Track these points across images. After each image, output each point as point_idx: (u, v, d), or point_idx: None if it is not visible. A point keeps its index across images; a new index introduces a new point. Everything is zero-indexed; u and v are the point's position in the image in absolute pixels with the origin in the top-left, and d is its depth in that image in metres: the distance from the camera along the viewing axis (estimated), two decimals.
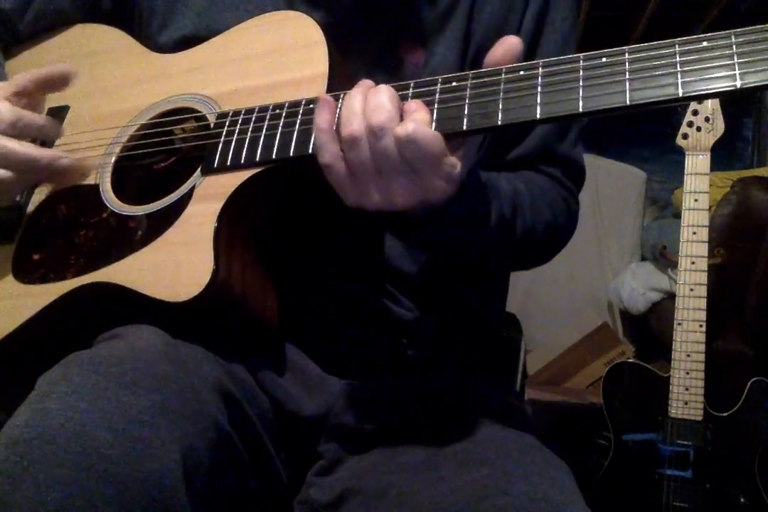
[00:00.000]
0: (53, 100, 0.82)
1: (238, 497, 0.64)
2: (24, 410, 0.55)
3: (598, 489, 1.52)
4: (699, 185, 1.52)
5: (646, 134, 2.90)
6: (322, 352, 0.77)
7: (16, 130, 0.70)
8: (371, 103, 0.59)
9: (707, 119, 1.53)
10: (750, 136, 3.04)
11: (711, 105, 1.53)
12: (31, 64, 0.87)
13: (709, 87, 0.53)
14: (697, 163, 1.53)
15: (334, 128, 0.60)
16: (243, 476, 0.64)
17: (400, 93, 0.61)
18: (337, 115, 0.61)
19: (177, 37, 0.79)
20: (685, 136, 1.53)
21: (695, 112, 1.54)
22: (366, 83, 0.62)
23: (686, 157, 1.53)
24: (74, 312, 0.70)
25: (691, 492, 1.46)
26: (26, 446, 0.51)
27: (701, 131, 1.52)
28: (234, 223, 0.66)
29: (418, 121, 0.57)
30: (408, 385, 0.78)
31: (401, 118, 0.58)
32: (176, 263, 0.65)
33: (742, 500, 1.43)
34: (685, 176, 1.53)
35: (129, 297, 0.65)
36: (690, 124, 1.53)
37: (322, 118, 0.61)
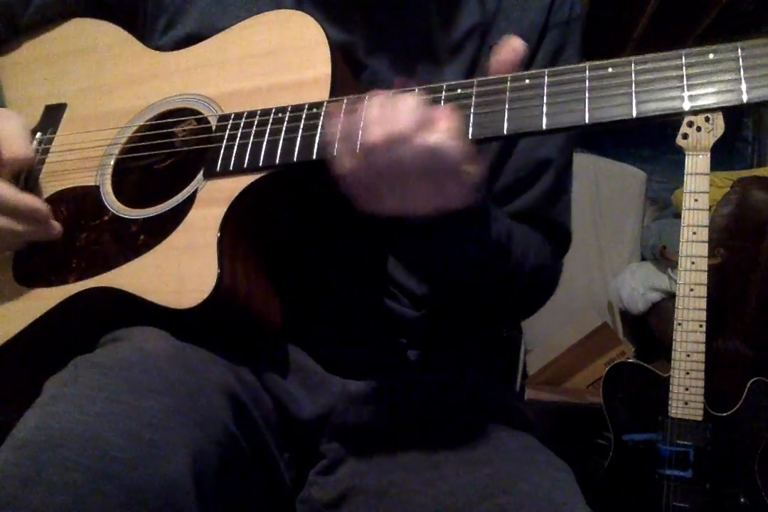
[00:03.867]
0: (51, 97, 0.82)
1: (243, 497, 0.64)
2: (34, 413, 0.54)
3: (598, 489, 1.52)
4: (699, 185, 1.51)
5: (646, 134, 2.90)
6: (323, 352, 0.77)
7: None
8: (389, 110, 0.57)
9: (707, 119, 1.52)
10: (750, 136, 3.05)
11: None
12: (28, 58, 0.86)
13: (715, 101, 0.52)
14: (697, 163, 1.52)
15: (350, 134, 0.59)
16: (248, 477, 0.64)
17: (432, 96, 0.60)
18: (350, 119, 0.59)
19: (180, 35, 0.79)
20: (685, 136, 1.53)
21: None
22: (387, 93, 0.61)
23: (686, 157, 1.53)
24: (77, 316, 0.70)
25: (691, 492, 1.45)
26: (37, 449, 0.51)
27: (701, 131, 1.52)
28: (237, 227, 0.66)
29: (442, 131, 0.56)
30: (409, 385, 0.78)
31: (429, 124, 0.56)
32: (180, 269, 0.65)
33: (742, 500, 1.43)
34: (685, 176, 1.53)
35: (133, 303, 0.65)
36: (690, 124, 1.53)
37: (333, 129, 0.59)
